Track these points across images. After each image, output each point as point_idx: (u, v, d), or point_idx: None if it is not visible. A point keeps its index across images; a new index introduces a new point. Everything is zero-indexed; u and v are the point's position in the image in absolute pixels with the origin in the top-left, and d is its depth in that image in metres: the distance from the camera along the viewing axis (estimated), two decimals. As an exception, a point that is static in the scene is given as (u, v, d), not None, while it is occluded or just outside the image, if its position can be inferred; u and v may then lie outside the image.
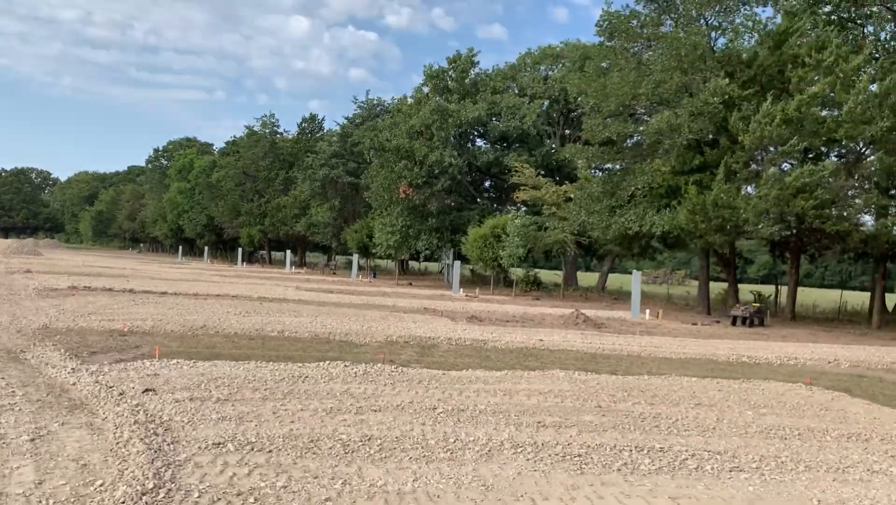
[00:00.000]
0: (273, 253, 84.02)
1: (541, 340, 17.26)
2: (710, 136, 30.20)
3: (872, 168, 25.99)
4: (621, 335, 20.70)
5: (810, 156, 29.17)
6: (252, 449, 6.82)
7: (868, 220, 29.38)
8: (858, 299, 41.65)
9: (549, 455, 7.14)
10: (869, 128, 24.60)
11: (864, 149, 27.84)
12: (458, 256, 44.71)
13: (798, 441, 8.32)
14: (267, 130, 71.68)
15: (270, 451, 6.81)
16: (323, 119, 75.41)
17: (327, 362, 11.78)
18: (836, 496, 6.30)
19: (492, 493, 5.97)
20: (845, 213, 27.00)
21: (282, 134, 72.63)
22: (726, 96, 28.02)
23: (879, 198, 27.07)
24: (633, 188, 31.59)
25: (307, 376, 10.55)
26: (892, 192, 29.38)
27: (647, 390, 11.17)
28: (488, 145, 50.51)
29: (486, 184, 54.48)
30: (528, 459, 6.96)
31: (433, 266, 71.88)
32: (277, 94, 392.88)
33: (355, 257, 52.25)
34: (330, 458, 6.72)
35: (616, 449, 7.49)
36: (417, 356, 13.65)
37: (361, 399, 9.23)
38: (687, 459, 7.29)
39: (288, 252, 64.83)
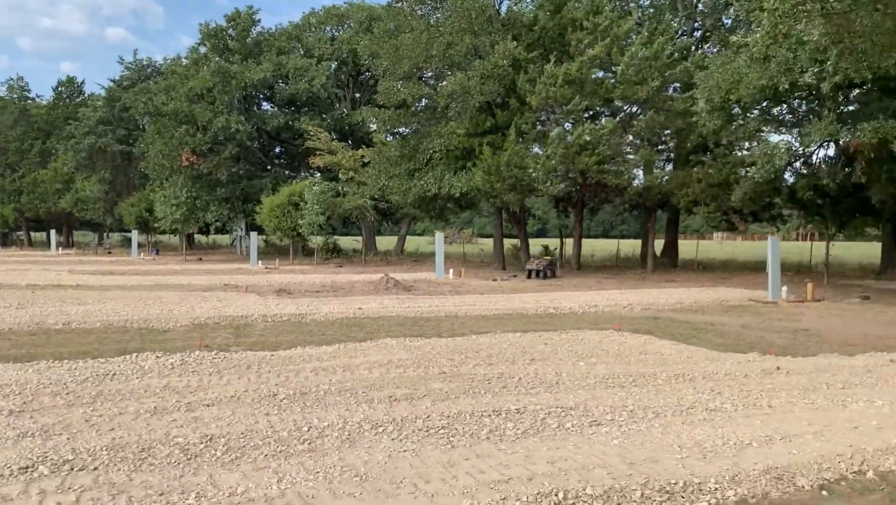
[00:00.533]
0: (33, 234, 74.97)
1: (360, 308, 16.82)
2: (501, 99, 31.21)
3: (643, 126, 28.40)
4: (433, 296, 20.88)
5: (586, 116, 31.18)
6: (72, 469, 5.70)
7: (639, 174, 32.25)
8: (626, 247, 45.97)
9: (413, 431, 6.78)
10: (641, 88, 26.78)
11: (636, 108, 30.33)
12: (253, 226, 42.65)
13: (636, 388, 8.71)
14: (15, 96, 63.36)
15: (96, 468, 5.74)
16: (83, 83, 67.59)
17: (135, 355, 10.44)
18: (692, 438, 6.60)
19: (368, 483, 5.48)
20: (623, 169, 29.35)
21: (34, 100, 64.55)
22: (513, 59, 29.03)
23: (651, 153, 29.74)
24: (430, 151, 31.89)
25: (115, 373, 9.23)
26: (659, 147, 32.47)
27: (481, 350, 11.21)
28: (276, 109, 48.27)
29: (278, 150, 52.22)
30: (393, 440, 6.54)
31: (222, 239, 68.26)
32: (22, 56, 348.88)
33: (134, 234, 47.84)
34: (171, 467, 5.81)
35: (476, 416, 7.31)
36: (234, 338, 12.61)
37: (188, 393, 8.22)
38: (545, 417, 7.29)
39: (52, 232, 57.95)
